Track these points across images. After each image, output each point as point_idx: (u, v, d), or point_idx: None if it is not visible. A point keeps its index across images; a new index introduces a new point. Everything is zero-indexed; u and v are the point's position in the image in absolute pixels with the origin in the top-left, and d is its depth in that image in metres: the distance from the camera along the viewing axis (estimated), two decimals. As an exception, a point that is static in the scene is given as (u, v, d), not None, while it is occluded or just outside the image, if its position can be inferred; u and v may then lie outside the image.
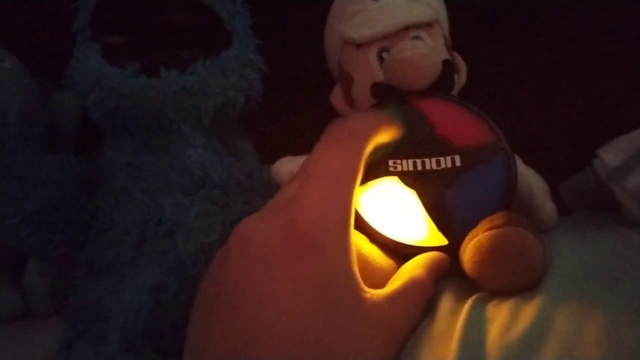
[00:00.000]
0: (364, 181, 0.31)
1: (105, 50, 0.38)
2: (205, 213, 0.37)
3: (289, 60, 0.46)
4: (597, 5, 0.43)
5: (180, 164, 0.37)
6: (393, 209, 0.31)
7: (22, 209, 0.36)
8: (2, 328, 0.42)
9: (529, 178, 0.32)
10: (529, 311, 0.23)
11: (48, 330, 0.41)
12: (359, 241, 0.29)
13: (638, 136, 0.30)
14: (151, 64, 0.37)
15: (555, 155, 0.41)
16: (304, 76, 0.46)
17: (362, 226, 0.30)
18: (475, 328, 0.23)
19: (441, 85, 0.34)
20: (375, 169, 0.31)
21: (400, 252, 0.30)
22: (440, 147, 0.31)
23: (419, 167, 0.31)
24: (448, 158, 0.31)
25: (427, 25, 0.36)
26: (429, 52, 0.33)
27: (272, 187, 0.38)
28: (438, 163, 0.31)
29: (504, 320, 0.23)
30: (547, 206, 0.32)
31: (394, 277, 0.27)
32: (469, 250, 0.26)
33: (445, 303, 0.26)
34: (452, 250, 0.29)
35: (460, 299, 0.26)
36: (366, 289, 0.23)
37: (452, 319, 0.24)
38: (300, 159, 0.33)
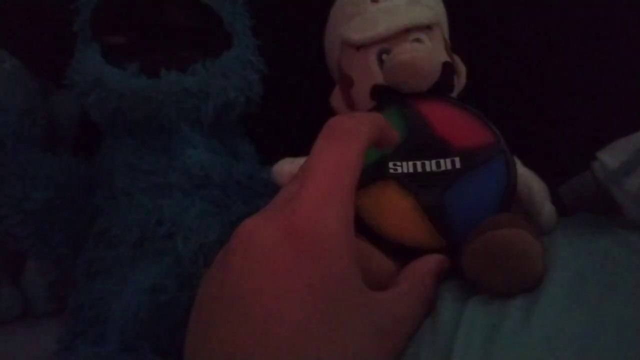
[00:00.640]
0: (365, 183, 0.31)
1: (105, 51, 0.38)
2: (204, 213, 0.37)
3: (289, 60, 0.46)
4: (598, 5, 0.43)
5: (180, 164, 0.37)
6: (393, 210, 0.31)
7: (21, 209, 0.36)
8: (1, 328, 0.42)
9: (529, 180, 0.32)
10: (529, 313, 0.23)
11: (47, 330, 0.41)
12: (359, 242, 0.29)
13: (637, 138, 0.30)
14: (151, 64, 0.37)
15: (554, 157, 0.42)
16: (304, 77, 0.46)
17: (363, 228, 0.31)
18: (475, 330, 0.23)
19: (441, 88, 0.34)
20: (376, 171, 0.31)
21: (401, 254, 0.30)
22: (440, 150, 0.31)
23: (419, 169, 0.31)
24: (448, 160, 0.31)
25: (427, 27, 0.36)
26: (428, 54, 0.33)
27: (272, 188, 0.38)
28: (438, 165, 0.31)
29: (504, 322, 0.23)
30: (546, 208, 0.32)
31: (394, 279, 0.27)
32: (469, 252, 0.26)
33: (446, 305, 0.26)
34: (452, 252, 0.29)
35: (460, 300, 0.26)
36: (367, 289, 0.23)
37: (452, 320, 0.24)
38: (300, 160, 0.33)
